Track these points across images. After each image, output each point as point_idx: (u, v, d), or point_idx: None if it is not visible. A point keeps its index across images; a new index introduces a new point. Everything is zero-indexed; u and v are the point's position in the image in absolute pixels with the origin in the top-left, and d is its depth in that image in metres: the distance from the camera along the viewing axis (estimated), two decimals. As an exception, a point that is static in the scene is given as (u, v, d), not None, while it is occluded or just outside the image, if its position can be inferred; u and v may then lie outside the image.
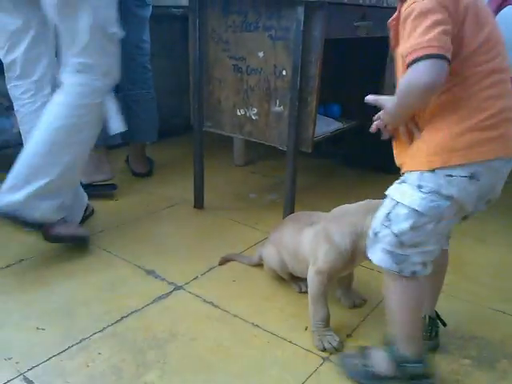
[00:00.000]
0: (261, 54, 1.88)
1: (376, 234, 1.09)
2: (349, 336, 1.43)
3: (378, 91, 2.32)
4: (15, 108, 1.88)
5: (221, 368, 1.27)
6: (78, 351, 1.30)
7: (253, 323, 1.45)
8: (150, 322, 1.43)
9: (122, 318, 1.44)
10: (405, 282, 1.09)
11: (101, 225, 2.03)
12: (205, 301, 1.55)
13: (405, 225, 1.03)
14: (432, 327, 1.34)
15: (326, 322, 1.40)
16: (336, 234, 1.38)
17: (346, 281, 1.57)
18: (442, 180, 0.99)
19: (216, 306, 1.52)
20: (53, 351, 1.29)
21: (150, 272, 1.69)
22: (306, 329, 1.44)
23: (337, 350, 1.36)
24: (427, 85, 0.92)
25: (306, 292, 1.56)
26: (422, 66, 0.91)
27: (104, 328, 1.39)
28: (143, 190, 2.44)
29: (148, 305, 1.51)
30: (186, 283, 1.64)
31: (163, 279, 1.66)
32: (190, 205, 2.24)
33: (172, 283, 1.63)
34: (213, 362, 1.29)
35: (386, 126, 1.13)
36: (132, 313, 1.47)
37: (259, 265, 1.73)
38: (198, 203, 2.23)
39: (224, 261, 1.78)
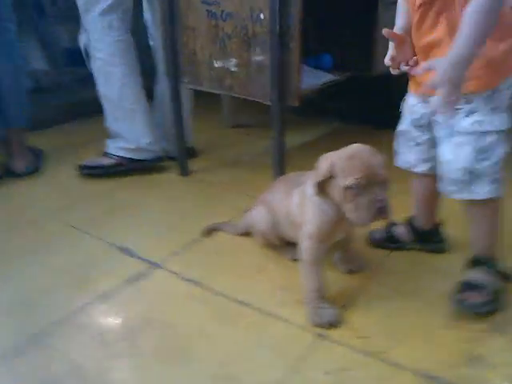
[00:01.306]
0: (235, -5, 1.64)
1: (472, 172, 1.15)
2: (345, 307, 1.26)
3: (370, 39, 2.12)
4: None
5: (202, 356, 1.11)
6: (30, 349, 1.13)
7: (239, 300, 1.28)
8: (120, 308, 1.27)
9: (88, 304, 1.27)
10: (497, 204, 1.22)
11: (68, 197, 1.85)
12: (185, 279, 1.38)
13: (501, 149, 1.14)
14: None
15: (321, 293, 1.23)
16: (322, 195, 1.19)
17: (343, 243, 1.39)
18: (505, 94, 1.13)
19: (197, 284, 1.35)
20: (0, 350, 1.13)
21: (123, 249, 1.51)
22: (298, 302, 1.27)
23: (334, 325, 1.19)
24: None
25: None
26: None
27: (64, 319, 1.23)
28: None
29: (119, 287, 1.34)
30: (165, 260, 1.46)
31: (138, 257, 1.48)
32: (174, 172, 2.05)
33: (148, 261, 1.46)
34: (193, 350, 1.13)
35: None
36: (100, 298, 1.30)
37: (247, 234, 1.55)
38: (183, 170, 2.03)
39: (207, 232, 1.60)
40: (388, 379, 1.04)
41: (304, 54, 2.30)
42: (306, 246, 1.25)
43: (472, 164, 1.15)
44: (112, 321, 1.22)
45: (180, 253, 1.50)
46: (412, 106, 1.31)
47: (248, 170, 2.10)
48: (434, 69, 1.04)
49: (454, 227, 1.50)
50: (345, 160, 1.13)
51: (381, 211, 1.09)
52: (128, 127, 2.00)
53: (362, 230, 1.51)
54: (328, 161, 1.16)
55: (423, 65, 1.10)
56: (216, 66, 1.78)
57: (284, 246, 1.47)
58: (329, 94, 2.67)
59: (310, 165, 1.21)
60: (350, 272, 1.40)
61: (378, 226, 1.46)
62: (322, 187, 1.18)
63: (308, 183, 1.23)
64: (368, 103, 2.28)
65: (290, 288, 1.33)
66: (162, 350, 1.13)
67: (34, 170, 2.05)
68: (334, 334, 1.17)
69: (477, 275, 1.27)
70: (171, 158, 2.09)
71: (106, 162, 2.02)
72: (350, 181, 1.10)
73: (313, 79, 1.92)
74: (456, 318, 1.21)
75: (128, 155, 2.02)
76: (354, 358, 1.09)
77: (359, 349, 1.12)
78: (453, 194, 1.22)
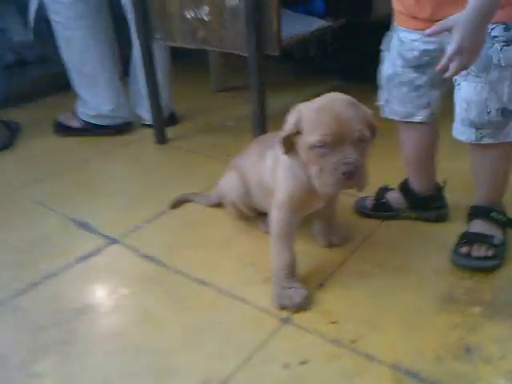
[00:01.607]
0: None
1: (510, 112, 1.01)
2: (321, 286, 1.08)
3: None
4: None
5: (142, 344, 0.95)
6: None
7: (199, 279, 1.11)
8: (64, 289, 1.12)
9: (32, 286, 1.13)
10: None
11: (39, 172, 1.69)
12: (142, 255, 1.22)
13: None
14: None
15: (290, 270, 1.05)
16: (292, 155, 1.00)
17: (324, 213, 1.19)
18: None
19: (155, 262, 1.19)
20: None
21: (82, 224, 1.36)
22: (265, 281, 1.10)
23: (300, 308, 1.01)
24: None
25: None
26: None
27: (4, 301, 1.09)
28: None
29: (68, 266, 1.19)
30: (125, 235, 1.30)
31: (97, 232, 1.32)
32: (151, 140, 1.88)
33: (107, 236, 1.30)
34: (133, 336, 0.97)
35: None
36: (46, 278, 1.15)
37: (220, 205, 1.37)
38: (159, 137, 1.85)
39: (177, 203, 1.43)
40: (357, 375, 0.86)
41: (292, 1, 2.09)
42: (275, 217, 1.07)
43: (509, 103, 1.00)
44: (51, 305, 1.08)
45: (143, 227, 1.34)
46: (409, 42, 1.09)
47: (230, 136, 1.89)
48: (450, 30, 0.88)
49: (452, 192, 1.29)
50: (313, 112, 0.92)
51: (348, 177, 0.88)
52: (90, 93, 1.90)
53: (348, 198, 1.32)
54: (296, 113, 0.96)
55: (437, 25, 0.91)
56: (188, 17, 1.57)
57: (258, 217, 1.29)
58: (328, 51, 2.44)
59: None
60: (331, 245, 1.21)
61: (368, 192, 1.26)
62: (292, 146, 0.98)
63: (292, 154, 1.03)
64: (368, 58, 2.02)
65: (260, 264, 1.15)
66: (99, 338, 0.98)
67: (6, 145, 1.93)
68: (301, 318, 0.99)
69: (481, 226, 1.14)
70: (151, 126, 1.92)
71: (74, 124, 1.96)
72: (314, 138, 0.90)
73: (302, 26, 1.70)
74: (447, 299, 1.01)
75: (91, 120, 1.94)
76: (320, 348, 0.91)
77: (328, 337, 0.94)
78: (482, 139, 1.04)
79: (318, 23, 1.72)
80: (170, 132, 1.90)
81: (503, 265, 1.10)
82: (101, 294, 1.11)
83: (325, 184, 0.91)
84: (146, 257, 1.21)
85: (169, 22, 1.63)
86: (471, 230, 1.14)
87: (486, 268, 1.09)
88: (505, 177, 1.13)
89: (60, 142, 1.93)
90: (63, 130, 1.97)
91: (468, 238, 1.12)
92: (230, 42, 1.51)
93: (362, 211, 1.33)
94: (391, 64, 1.14)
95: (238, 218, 1.32)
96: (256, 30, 1.41)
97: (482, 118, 1.01)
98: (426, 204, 1.29)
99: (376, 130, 0.97)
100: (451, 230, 1.21)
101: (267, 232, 1.23)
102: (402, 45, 1.12)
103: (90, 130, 1.94)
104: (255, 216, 1.29)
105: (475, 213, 1.16)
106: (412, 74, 1.12)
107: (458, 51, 0.86)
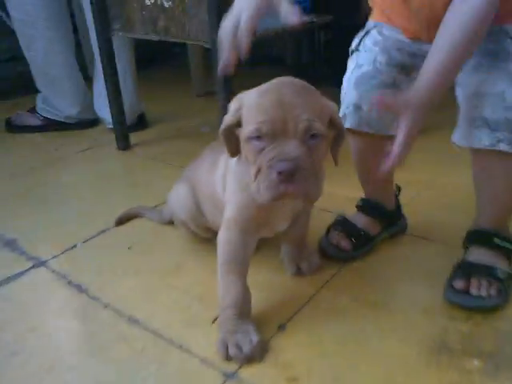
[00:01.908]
0: None
1: None
2: (281, 329, 0.84)
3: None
4: None
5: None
6: None
7: (131, 317, 0.88)
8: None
9: None
10: None
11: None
12: (69, 283, 0.99)
13: None
14: None
15: (240, 309, 0.82)
16: (241, 160, 0.78)
17: (292, 235, 0.97)
18: None
19: (83, 292, 0.96)
20: None
21: (8, 243, 1.14)
22: (214, 321, 0.86)
23: (249, 359, 0.78)
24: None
25: None
26: None
27: None
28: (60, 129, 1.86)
29: (-26, 295, 0.97)
30: (56, 256, 1.08)
31: (23, 252, 1.10)
32: (113, 146, 1.66)
33: (34, 258, 1.08)
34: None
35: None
36: None
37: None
38: (121, 143, 1.64)
39: (124, 219, 1.21)
40: None
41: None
42: (221, 239, 0.84)
43: None
44: None
45: (79, 247, 1.12)
46: (395, 40, 0.92)
47: (202, 143, 1.61)
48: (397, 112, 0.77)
49: (443, 210, 1.11)
50: (255, 97, 0.71)
51: (286, 178, 0.65)
52: (55, 95, 1.77)
53: (322, 215, 1.10)
54: (237, 100, 0.74)
55: (385, 99, 0.78)
56: (148, 3, 1.37)
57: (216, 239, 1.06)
58: (321, 58, 2.25)
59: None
60: (299, 274, 0.98)
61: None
62: (237, 145, 0.77)
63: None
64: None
65: (210, 299, 0.91)
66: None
67: None
68: (251, 373, 0.75)
69: (481, 254, 0.92)
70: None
71: (33, 121, 1.82)
72: (250, 127, 0.68)
73: (278, 20, 1.48)
74: (439, 349, 0.78)
75: (55, 117, 1.82)
76: (269, 419, 0.68)
77: (283, 402, 0.71)
78: (498, 144, 0.80)
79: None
80: (137, 137, 1.70)
81: (508, 304, 0.87)
82: (11, 328, 0.88)
83: (258, 190, 0.68)
84: (74, 285, 0.98)
85: (128, 10, 1.43)
86: (469, 260, 0.91)
87: (487, 308, 0.85)
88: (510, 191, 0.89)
89: (13, 144, 1.73)
90: (19, 128, 1.83)
91: (465, 270, 0.89)
92: (193, 32, 1.30)
93: (339, 256, 1.03)
94: (369, 61, 0.92)
95: (191, 241, 1.10)
96: (219, 16, 1.20)
97: (499, 114, 0.79)
98: (394, 218, 1.09)
99: (342, 129, 0.75)
100: (444, 259, 0.99)
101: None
102: (387, 40, 0.92)
103: (52, 126, 1.81)
104: (212, 238, 1.06)
105: (474, 238, 0.93)
106: (395, 75, 0.91)
107: (408, 141, 0.75)
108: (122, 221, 1.20)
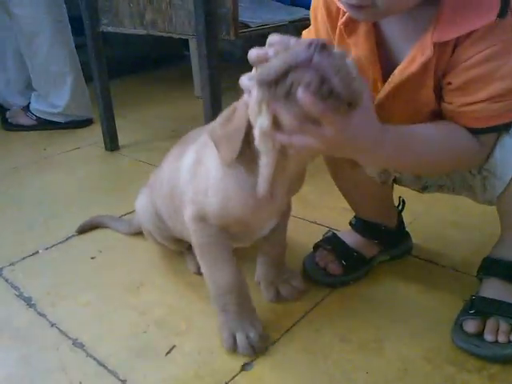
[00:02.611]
0: None
1: None
2: (245, 367, 0.71)
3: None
4: None
5: None
6: None
7: (76, 341, 0.77)
8: None
9: None
10: None
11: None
12: (20, 295, 0.89)
13: None
14: None
15: (240, 294, 0.74)
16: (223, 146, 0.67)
17: (269, 250, 0.85)
18: None
19: (31, 306, 0.86)
20: None
21: (-34, 249, 1.06)
22: (167, 353, 0.75)
23: (258, 351, 0.72)
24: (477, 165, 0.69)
25: None
26: (490, 142, 0.66)
27: None
28: (52, 127, 1.78)
29: None
30: (12, 264, 0.99)
31: (-21, 259, 1.02)
32: (102, 147, 1.57)
33: (-10, 265, 1.00)
34: None
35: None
36: None
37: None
38: (110, 143, 1.55)
39: (87, 228, 1.10)
40: None
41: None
42: (194, 230, 0.74)
43: None
44: None
45: (41, 254, 1.02)
46: None
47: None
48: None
49: (453, 231, 0.96)
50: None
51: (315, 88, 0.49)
52: (54, 92, 1.72)
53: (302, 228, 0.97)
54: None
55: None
56: (135, -5, 1.28)
57: (188, 252, 0.94)
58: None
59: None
60: (278, 299, 0.85)
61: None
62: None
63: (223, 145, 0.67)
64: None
65: (168, 325, 0.80)
66: None
67: None
68: None
69: (499, 289, 0.75)
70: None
71: (26, 121, 1.78)
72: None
73: (279, 14, 1.37)
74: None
75: (50, 118, 1.77)
76: None
77: None
78: None
79: (300, 13, 1.39)
80: (128, 137, 1.60)
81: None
82: None
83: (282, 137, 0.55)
84: (23, 298, 0.88)
85: (116, 3, 1.34)
86: (485, 295, 0.75)
87: (505, 358, 0.69)
88: None
89: (4, 141, 1.68)
90: (12, 126, 1.79)
91: (479, 308, 0.73)
92: (180, 25, 1.20)
93: (326, 281, 0.89)
94: None
95: (161, 254, 0.99)
96: (206, 7, 1.10)
97: None
98: (396, 238, 0.94)
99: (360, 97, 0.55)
100: (453, 289, 0.85)
101: (197, 273, 0.91)
102: None
103: (45, 126, 1.77)
104: (181, 249, 0.95)
105: (492, 268, 0.77)
106: None
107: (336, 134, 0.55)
108: (84, 230, 1.09)
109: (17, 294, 0.90)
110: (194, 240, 0.75)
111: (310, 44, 0.50)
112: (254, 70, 0.59)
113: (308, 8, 1.64)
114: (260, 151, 0.62)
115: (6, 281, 0.94)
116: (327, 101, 0.49)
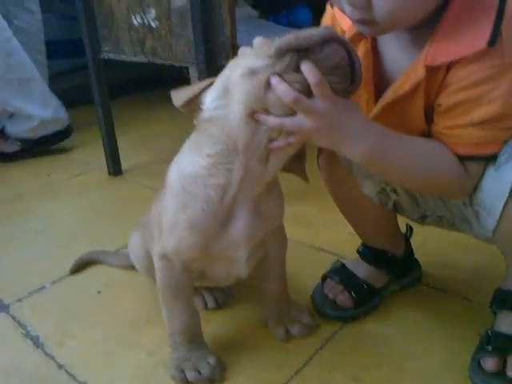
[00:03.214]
0: None
1: None
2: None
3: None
4: None
5: None
6: None
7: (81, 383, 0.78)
8: None
9: None
10: None
11: None
12: (28, 334, 0.88)
13: None
14: None
15: (191, 334, 0.75)
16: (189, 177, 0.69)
17: (267, 285, 0.83)
18: None
19: (39, 346, 0.85)
20: None
21: (-27, 283, 1.06)
22: None
23: (211, 381, 0.72)
24: (462, 193, 0.68)
25: (217, 307, 0.92)
26: (476, 172, 0.64)
27: None
28: (57, 152, 1.79)
29: None
30: (19, 300, 0.98)
31: (-15, 294, 1.02)
32: (106, 171, 1.57)
33: (-3, 301, 1.00)
34: None
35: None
36: None
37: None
38: (113, 168, 1.55)
39: (80, 265, 1.08)
40: None
41: (276, 10, 1.79)
42: (159, 267, 0.75)
43: None
44: None
45: (48, 289, 1.01)
46: None
47: None
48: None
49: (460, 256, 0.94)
50: None
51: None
52: (28, 101, 1.66)
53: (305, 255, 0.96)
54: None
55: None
56: (135, 23, 1.28)
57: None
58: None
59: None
60: (288, 338, 0.83)
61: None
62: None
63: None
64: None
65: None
66: None
67: None
68: None
69: None
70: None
71: (8, 148, 1.70)
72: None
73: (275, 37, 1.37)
74: None
75: (32, 135, 1.70)
76: None
77: None
78: None
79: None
80: (131, 161, 1.61)
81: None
82: None
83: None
84: (31, 337, 0.88)
85: (116, 31, 1.35)
86: (500, 330, 0.72)
87: None
88: None
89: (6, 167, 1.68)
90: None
91: (496, 344, 0.70)
92: (181, 53, 1.20)
93: (337, 315, 0.87)
94: None
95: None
96: (205, 35, 1.10)
97: None
98: (405, 267, 0.92)
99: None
100: (467, 319, 0.83)
101: (206, 308, 0.91)
102: None
103: (31, 148, 1.72)
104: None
105: (505, 301, 0.74)
106: None
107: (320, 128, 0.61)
108: (78, 268, 1.07)
109: (24, 332, 0.89)
110: (158, 278, 0.75)
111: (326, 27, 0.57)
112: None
113: (303, 28, 1.66)
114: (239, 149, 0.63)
115: (14, 319, 0.93)
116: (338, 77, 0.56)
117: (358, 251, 0.93)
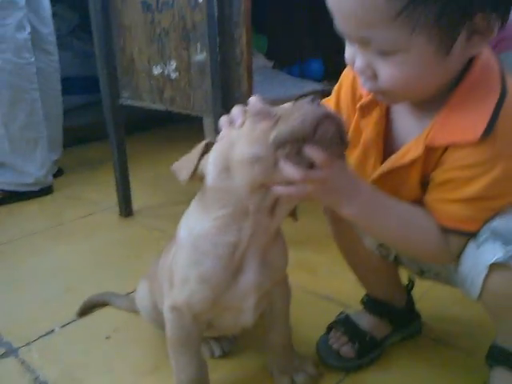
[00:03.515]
0: (170, -23, 1.21)
1: None
2: None
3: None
4: None
5: None
6: None
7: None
8: None
9: None
10: None
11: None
12: (36, 379, 0.89)
13: None
14: None
15: None
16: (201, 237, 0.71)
17: (272, 336, 0.84)
18: None
19: (47, 391, 0.87)
20: None
21: (-15, 325, 1.07)
22: None
23: None
24: (442, 260, 0.73)
25: (223, 355, 0.93)
26: (457, 245, 0.68)
27: None
28: (69, 191, 1.84)
29: None
30: (28, 343, 0.99)
31: (-4, 336, 1.03)
32: (115, 211, 1.61)
33: (6, 343, 0.99)
34: None
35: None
36: None
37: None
38: (124, 209, 1.58)
39: (88, 308, 1.09)
40: None
41: (290, 61, 1.86)
42: (169, 319, 0.76)
43: None
44: None
45: (57, 332, 1.02)
46: None
47: None
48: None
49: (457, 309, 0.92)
50: None
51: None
52: (24, 159, 1.72)
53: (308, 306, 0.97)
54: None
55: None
56: (155, 73, 1.34)
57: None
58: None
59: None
60: (294, 388, 0.84)
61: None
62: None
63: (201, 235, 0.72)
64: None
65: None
66: None
67: None
68: None
69: (508, 381, 0.74)
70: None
71: None
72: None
73: (291, 89, 1.43)
74: None
75: (13, 188, 1.73)
76: None
77: None
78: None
79: (309, 86, 1.45)
80: (143, 201, 1.64)
81: None
82: None
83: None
84: (39, 382, 0.88)
85: (137, 79, 1.41)
86: None
87: None
88: None
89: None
90: None
91: None
92: (198, 104, 1.26)
93: (340, 366, 0.89)
94: None
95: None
96: (223, 89, 1.15)
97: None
98: (406, 318, 0.94)
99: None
100: (465, 375, 0.84)
101: (213, 356, 0.91)
102: None
103: (7, 198, 1.73)
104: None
105: (499, 357, 0.76)
106: None
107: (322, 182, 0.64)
108: (86, 310, 1.08)
109: (33, 378, 0.90)
110: (168, 329, 0.77)
111: (312, 100, 0.60)
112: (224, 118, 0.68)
113: (315, 80, 1.73)
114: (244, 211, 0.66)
115: (22, 363, 0.93)
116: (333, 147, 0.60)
117: (362, 301, 0.95)
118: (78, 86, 2.77)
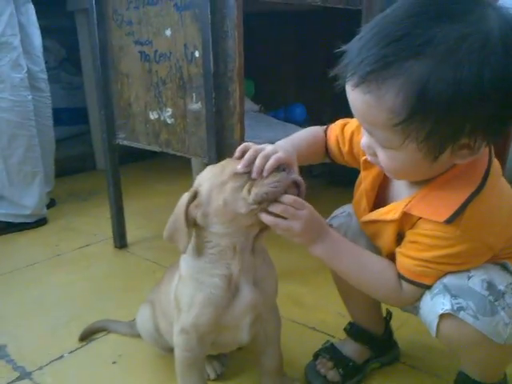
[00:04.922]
0: (168, 33, 1.36)
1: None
2: None
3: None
4: None
5: None
6: None
7: None
8: None
9: None
10: None
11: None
12: (51, 401, 1.00)
13: None
14: None
15: None
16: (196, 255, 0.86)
17: (264, 360, 0.97)
18: None
19: (63, 412, 0.97)
20: None
21: (-3, 350, 1.16)
22: None
23: None
24: (393, 302, 0.89)
25: (216, 378, 1.04)
26: (412, 292, 0.81)
27: None
28: (64, 222, 1.94)
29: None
30: (40, 368, 1.09)
31: (10, 360, 1.11)
32: (111, 244, 1.71)
33: (20, 367, 1.08)
34: None
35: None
36: None
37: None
38: (119, 242, 1.69)
39: (89, 334, 1.20)
40: None
41: (275, 105, 2.03)
42: (178, 344, 0.88)
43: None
44: None
45: (66, 358, 1.12)
46: None
47: None
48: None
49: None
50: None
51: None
52: (22, 192, 1.81)
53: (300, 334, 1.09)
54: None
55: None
56: (152, 118, 1.48)
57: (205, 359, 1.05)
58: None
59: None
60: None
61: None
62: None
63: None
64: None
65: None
66: None
67: None
68: None
69: None
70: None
71: None
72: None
73: (275, 132, 1.58)
74: None
75: (8, 219, 1.82)
76: None
77: None
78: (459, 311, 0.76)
79: (294, 130, 1.60)
80: (137, 233, 1.75)
81: None
82: None
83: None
84: (55, 404, 0.99)
85: (133, 122, 1.54)
86: None
87: None
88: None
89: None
90: None
91: None
92: (192, 147, 1.39)
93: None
94: None
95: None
96: (217, 136, 1.29)
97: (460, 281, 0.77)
98: (385, 346, 1.08)
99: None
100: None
101: (215, 378, 1.03)
102: None
103: (10, 227, 1.82)
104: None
105: (464, 382, 0.87)
106: None
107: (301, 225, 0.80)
108: (86, 336, 1.19)
109: (48, 399, 0.99)
110: (176, 352, 0.89)
111: (283, 169, 0.79)
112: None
113: (298, 123, 1.89)
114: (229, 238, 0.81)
115: (36, 384, 1.04)
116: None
117: (345, 329, 1.08)
118: (66, 117, 2.88)
